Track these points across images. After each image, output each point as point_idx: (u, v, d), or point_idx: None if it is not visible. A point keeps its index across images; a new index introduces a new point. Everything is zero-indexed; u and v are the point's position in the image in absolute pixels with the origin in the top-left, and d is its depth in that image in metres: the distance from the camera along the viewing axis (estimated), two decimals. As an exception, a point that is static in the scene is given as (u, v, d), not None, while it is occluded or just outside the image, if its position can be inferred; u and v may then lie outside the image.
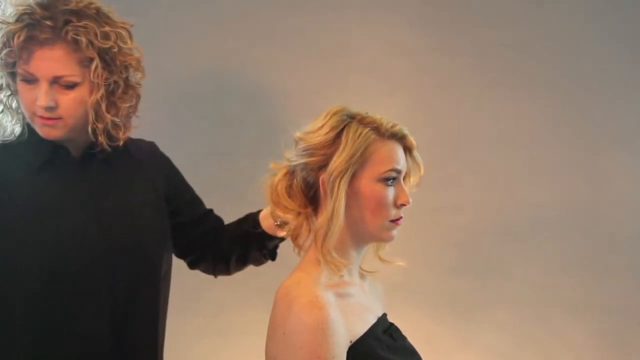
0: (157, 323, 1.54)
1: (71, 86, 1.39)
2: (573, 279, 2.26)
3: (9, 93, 1.43)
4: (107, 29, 1.41)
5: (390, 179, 1.30)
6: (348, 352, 1.23)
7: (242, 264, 1.72)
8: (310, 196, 1.33)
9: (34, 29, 1.35)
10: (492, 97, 2.28)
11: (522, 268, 2.27)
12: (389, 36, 2.27)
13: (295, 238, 1.37)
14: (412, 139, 1.35)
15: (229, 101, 2.22)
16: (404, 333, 1.42)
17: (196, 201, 1.72)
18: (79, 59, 1.39)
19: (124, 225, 1.48)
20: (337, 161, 1.28)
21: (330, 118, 1.32)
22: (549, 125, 2.29)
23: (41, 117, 1.39)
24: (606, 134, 2.29)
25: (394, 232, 1.34)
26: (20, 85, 1.39)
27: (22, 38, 1.34)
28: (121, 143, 1.50)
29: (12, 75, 1.41)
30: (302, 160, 1.32)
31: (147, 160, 1.60)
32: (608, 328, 2.26)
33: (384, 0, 2.28)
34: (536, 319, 2.26)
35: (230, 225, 1.72)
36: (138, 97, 1.51)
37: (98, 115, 1.43)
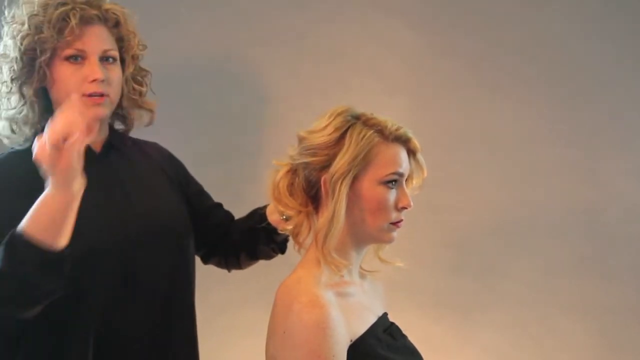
0: (193, 314, 1.59)
1: (112, 61, 1.47)
2: (573, 279, 2.27)
3: (32, 89, 1.43)
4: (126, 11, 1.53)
5: (392, 181, 1.31)
6: (348, 351, 1.23)
7: (252, 258, 1.73)
8: (311, 195, 1.33)
9: (83, 10, 1.43)
10: (491, 98, 2.28)
11: (522, 268, 2.27)
12: (388, 37, 2.27)
13: (295, 236, 1.37)
14: (416, 142, 1.35)
15: (229, 101, 2.23)
16: (404, 332, 1.42)
17: (204, 194, 1.74)
18: (116, 36, 1.49)
19: (155, 212, 1.50)
20: (340, 162, 1.28)
21: (334, 118, 1.32)
22: (549, 125, 2.29)
23: (90, 95, 1.42)
24: (606, 134, 2.29)
25: (394, 234, 1.34)
26: (64, 68, 1.42)
27: (77, 18, 1.41)
28: (133, 125, 1.60)
29: (37, 64, 1.42)
30: (305, 159, 1.32)
31: (156, 155, 1.65)
32: (608, 328, 2.26)
33: (384, 2, 2.28)
34: (536, 319, 2.26)
35: (239, 220, 1.73)
36: (149, 77, 1.61)
37: (128, 90, 1.53)
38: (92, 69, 1.42)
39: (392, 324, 1.40)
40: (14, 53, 1.41)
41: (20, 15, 1.43)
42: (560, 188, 2.28)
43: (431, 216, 2.23)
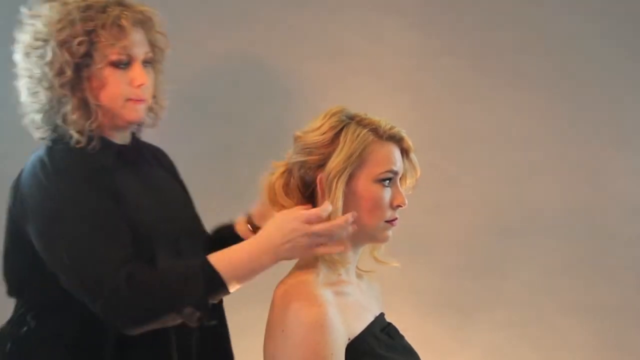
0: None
1: (148, 65, 1.46)
2: (573, 279, 2.26)
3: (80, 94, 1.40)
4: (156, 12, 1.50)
5: (387, 180, 1.31)
6: (346, 350, 1.24)
7: None
8: (307, 195, 1.34)
9: (131, 14, 1.41)
10: (492, 97, 2.28)
11: (522, 268, 2.27)
12: (389, 37, 2.27)
13: (293, 236, 1.38)
14: (409, 141, 1.36)
15: (229, 101, 2.23)
16: (403, 333, 1.42)
17: None
18: (150, 38, 1.47)
19: (187, 209, 1.57)
20: (335, 161, 1.29)
21: (329, 118, 1.33)
22: (549, 125, 2.29)
23: (134, 99, 1.43)
24: (606, 134, 2.29)
25: (389, 233, 1.34)
26: (111, 73, 1.40)
27: (129, 22, 1.39)
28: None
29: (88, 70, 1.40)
30: (301, 159, 1.32)
31: (165, 161, 1.66)
32: (608, 328, 2.26)
33: (384, 2, 2.28)
34: (536, 319, 2.26)
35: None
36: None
37: (158, 94, 1.52)
38: (139, 73, 1.42)
39: (389, 323, 1.41)
40: (62, 59, 1.37)
41: (60, 19, 1.38)
42: (560, 188, 2.28)
43: (431, 216, 2.23)
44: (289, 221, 1.27)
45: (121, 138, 1.50)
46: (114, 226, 1.33)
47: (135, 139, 1.56)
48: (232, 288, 1.30)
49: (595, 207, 2.28)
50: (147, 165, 1.55)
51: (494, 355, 2.26)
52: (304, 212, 1.27)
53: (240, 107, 2.23)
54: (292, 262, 1.36)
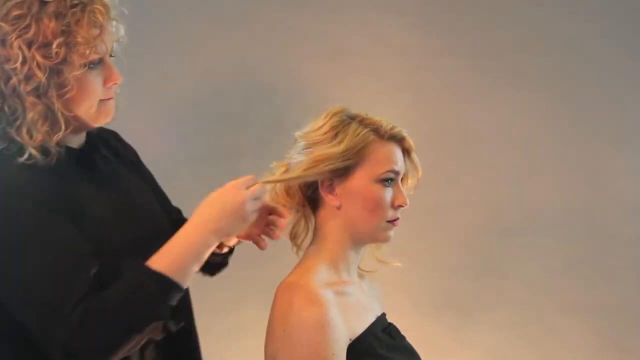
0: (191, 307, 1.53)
1: (111, 58, 1.29)
2: (573, 279, 2.27)
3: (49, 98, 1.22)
4: None
5: (389, 179, 1.31)
6: (348, 350, 1.24)
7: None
8: (309, 195, 1.34)
9: (101, 6, 1.24)
10: (492, 97, 2.28)
11: (522, 268, 2.27)
12: (389, 37, 2.27)
13: (293, 237, 1.38)
14: (411, 141, 1.36)
15: (229, 101, 2.23)
16: (404, 333, 1.42)
17: (158, 184, 1.60)
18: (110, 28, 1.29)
19: (151, 212, 1.44)
20: (332, 150, 1.29)
21: (330, 118, 1.33)
22: (549, 125, 2.29)
23: (105, 99, 1.27)
24: (606, 134, 2.30)
25: (390, 233, 1.34)
26: (87, 74, 1.23)
27: (105, 18, 1.23)
28: None
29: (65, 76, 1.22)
30: (302, 159, 1.32)
31: (119, 146, 1.50)
32: (608, 328, 2.26)
33: (385, 1, 2.28)
34: (536, 319, 2.26)
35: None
36: None
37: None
38: (113, 72, 1.27)
39: (390, 324, 1.41)
40: (32, 62, 1.18)
41: (23, 13, 1.18)
42: (560, 188, 2.28)
43: (431, 216, 2.23)
44: (222, 194, 1.23)
45: (78, 140, 1.33)
46: (71, 260, 1.20)
47: (92, 136, 1.37)
48: (186, 282, 1.21)
49: (595, 207, 2.28)
50: (104, 165, 1.39)
51: (494, 355, 2.26)
52: (236, 180, 1.24)
53: (240, 107, 2.23)
54: (293, 263, 1.36)
